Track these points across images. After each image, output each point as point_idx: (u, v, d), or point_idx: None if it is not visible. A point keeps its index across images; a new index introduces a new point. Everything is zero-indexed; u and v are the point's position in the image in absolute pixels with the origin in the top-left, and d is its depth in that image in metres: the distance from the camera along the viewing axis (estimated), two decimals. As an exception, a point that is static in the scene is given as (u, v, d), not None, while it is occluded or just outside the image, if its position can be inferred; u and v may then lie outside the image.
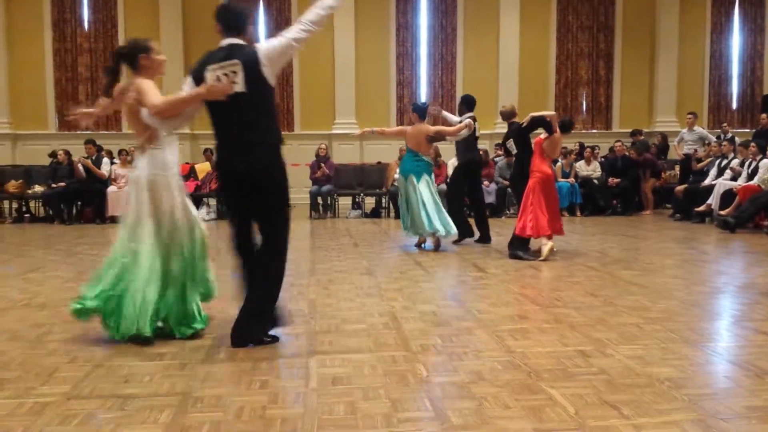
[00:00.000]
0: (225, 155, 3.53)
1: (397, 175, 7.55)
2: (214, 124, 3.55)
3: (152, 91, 3.56)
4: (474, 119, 7.92)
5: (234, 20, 3.53)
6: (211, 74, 3.41)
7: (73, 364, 3.23)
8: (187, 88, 3.55)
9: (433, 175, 7.38)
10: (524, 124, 6.70)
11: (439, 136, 7.54)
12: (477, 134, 7.98)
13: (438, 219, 7.01)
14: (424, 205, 7.04)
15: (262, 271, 3.53)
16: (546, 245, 6.38)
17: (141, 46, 3.76)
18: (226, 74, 3.37)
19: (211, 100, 3.42)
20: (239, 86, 3.38)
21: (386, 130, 8.09)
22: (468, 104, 8.11)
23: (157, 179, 3.63)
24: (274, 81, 3.49)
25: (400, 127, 7.87)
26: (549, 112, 7.09)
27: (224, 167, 3.57)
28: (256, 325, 3.51)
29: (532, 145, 6.75)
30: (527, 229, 6.43)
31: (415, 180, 7.10)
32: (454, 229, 7.09)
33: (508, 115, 7.23)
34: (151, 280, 3.55)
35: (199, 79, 3.47)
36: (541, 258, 6.31)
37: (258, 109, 3.45)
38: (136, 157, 3.78)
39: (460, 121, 7.63)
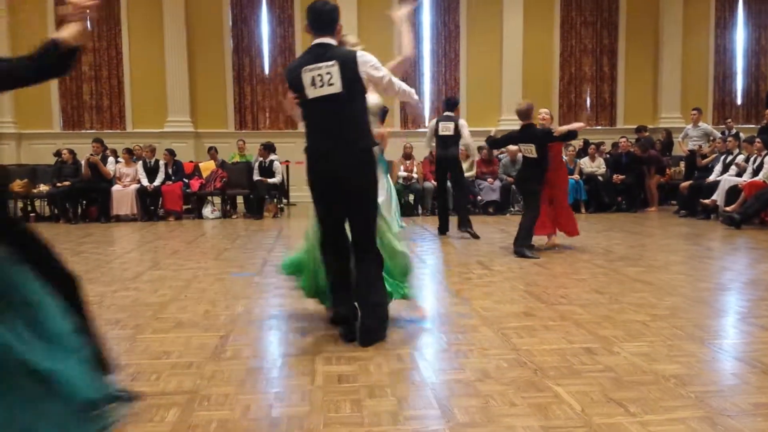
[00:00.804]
0: (318, 156, 3.49)
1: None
2: (307, 124, 3.53)
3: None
4: (450, 119, 8.19)
5: (327, 21, 3.48)
6: (306, 75, 3.39)
7: (79, 363, 3.24)
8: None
9: None
10: (557, 134, 6.54)
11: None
12: (439, 132, 8.21)
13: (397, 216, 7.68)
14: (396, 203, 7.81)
15: (366, 278, 3.52)
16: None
17: None
18: (320, 75, 3.36)
19: (306, 100, 3.43)
20: (336, 87, 3.36)
21: None
22: (446, 104, 8.53)
23: None
24: (367, 86, 3.47)
25: (378, 130, 7.90)
26: (582, 124, 7.39)
27: (318, 169, 3.51)
28: (383, 327, 3.58)
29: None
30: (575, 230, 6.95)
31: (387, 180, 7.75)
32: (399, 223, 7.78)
33: (525, 114, 6.72)
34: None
35: (295, 79, 3.45)
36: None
37: (353, 110, 3.44)
38: None
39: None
